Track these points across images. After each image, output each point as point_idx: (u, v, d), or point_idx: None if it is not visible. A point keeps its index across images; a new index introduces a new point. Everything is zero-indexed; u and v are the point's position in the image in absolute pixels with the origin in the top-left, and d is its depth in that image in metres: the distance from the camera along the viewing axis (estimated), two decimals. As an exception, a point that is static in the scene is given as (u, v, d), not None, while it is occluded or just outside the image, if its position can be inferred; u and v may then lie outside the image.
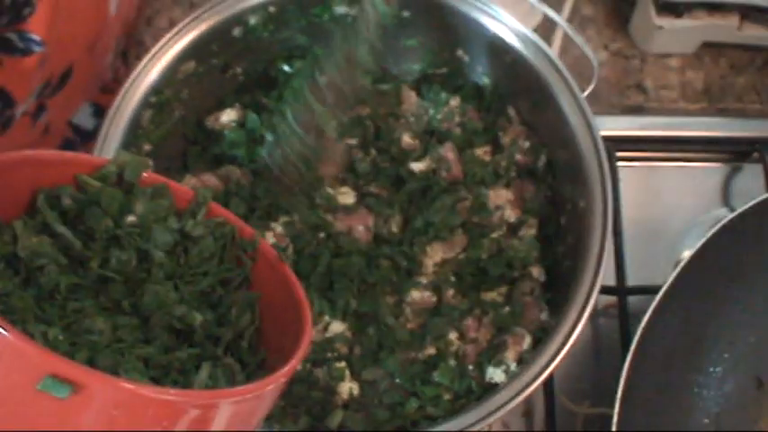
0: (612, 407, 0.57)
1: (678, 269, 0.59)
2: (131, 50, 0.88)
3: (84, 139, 0.94)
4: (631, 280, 0.69)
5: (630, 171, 0.76)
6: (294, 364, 0.42)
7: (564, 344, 0.54)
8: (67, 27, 0.69)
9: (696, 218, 0.75)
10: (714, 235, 0.59)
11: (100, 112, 0.95)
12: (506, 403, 0.54)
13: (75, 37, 0.72)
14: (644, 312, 0.59)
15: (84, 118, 0.95)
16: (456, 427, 0.54)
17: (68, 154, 0.54)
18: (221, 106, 0.68)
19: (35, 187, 0.44)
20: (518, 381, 0.54)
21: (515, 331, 0.60)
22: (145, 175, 0.48)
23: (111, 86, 0.94)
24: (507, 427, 0.69)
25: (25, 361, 0.30)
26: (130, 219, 0.46)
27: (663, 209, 0.76)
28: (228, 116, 0.68)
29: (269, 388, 0.40)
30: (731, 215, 0.60)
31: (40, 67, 0.67)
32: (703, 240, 0.59)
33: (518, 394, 0.54)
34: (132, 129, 0.61)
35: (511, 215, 0.65)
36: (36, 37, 0.64)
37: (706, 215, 0.75)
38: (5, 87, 0.62)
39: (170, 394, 0.35)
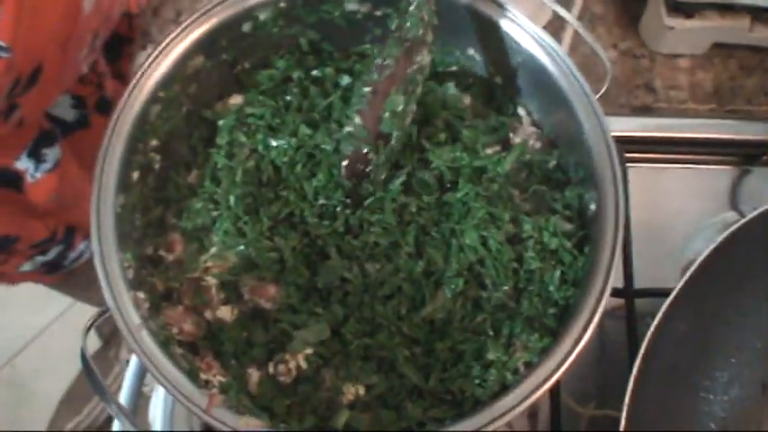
0: (617, 409, 0.57)
1: (688, 274, 0.58)
2: (137, 41, 0.87)
3: (64, 129, 0.93)
4: (637, 282, 0.69)
5: (638, 172, 0.76)
6: None
7: (573, 348, 0.54)
8: (35, 28, 0.68)
9: (704, 221, 0.75)
10: (724, 240, 0.59)
11: (81, 103, 0.95)
12: (514, 407, 0.53)
13: (43, 37, 0.71)
14: (650, 314, 0.58)
15: (63, 109, 0.94)
16: (463, 429, 0.54)
17: None
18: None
19: None
20: (526, 384, 0.54)
21: (524, 334, 0.60)
22: None
23: (90, 78, 0.94)
24: (511, 428, 0.69)
25: None
26: None
27: (670, 211, 0.76)
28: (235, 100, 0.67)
29: None
30: (741, 221, 0.60)
31: (8, 71, 0.67)
32: (713, 246, 0.59)
33: (526, 398, 0.53)
34: (140, 124, 0.59)
35: (521, 218, 0.65)
36: (1, 43, 0.64)
37: (714, 218, 0.75)
38: None
39: None
